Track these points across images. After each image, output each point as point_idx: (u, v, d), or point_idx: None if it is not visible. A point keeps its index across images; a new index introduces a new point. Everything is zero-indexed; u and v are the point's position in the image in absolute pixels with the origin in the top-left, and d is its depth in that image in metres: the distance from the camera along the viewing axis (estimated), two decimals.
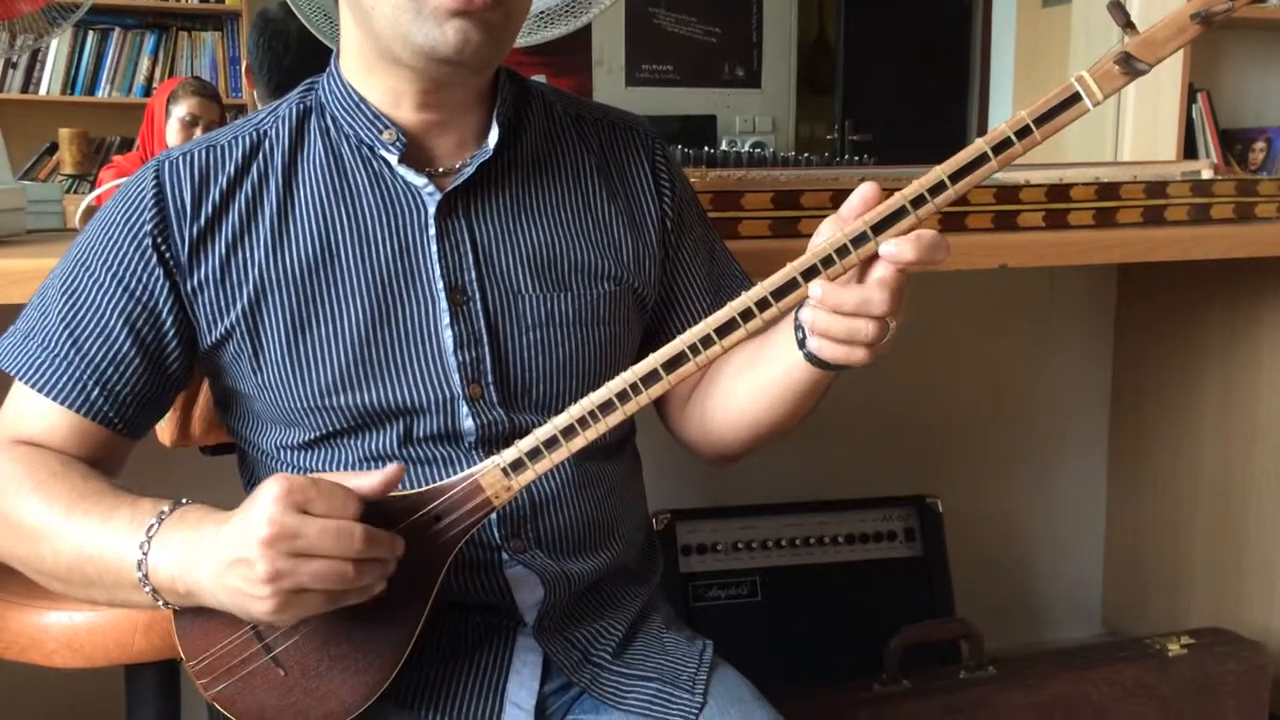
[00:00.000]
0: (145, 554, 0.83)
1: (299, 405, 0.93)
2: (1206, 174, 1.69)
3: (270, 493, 0.77)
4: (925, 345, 2.01)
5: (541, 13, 1.55)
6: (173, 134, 2.60)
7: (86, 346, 0.91)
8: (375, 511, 0.82)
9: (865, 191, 0.82)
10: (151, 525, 0.83)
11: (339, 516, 0.79)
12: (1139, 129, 3.04)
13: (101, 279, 0.91)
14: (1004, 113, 3.66)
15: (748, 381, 0.97)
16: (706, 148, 1.66)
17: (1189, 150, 3.10)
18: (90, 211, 1.33)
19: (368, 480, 0.82)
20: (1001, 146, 0.80)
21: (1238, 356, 1.93)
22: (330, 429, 0.94)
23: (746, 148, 1.82)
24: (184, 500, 0.86)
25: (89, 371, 0.91)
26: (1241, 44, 3.28)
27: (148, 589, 0.84)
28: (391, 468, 0.83)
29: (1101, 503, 2.21)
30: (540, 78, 1.09)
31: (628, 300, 1.01)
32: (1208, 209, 1.61)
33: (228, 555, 0.79)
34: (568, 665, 0.98)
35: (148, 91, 3.92)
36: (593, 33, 4.46)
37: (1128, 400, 2.15)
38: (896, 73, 4.61)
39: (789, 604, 1.77)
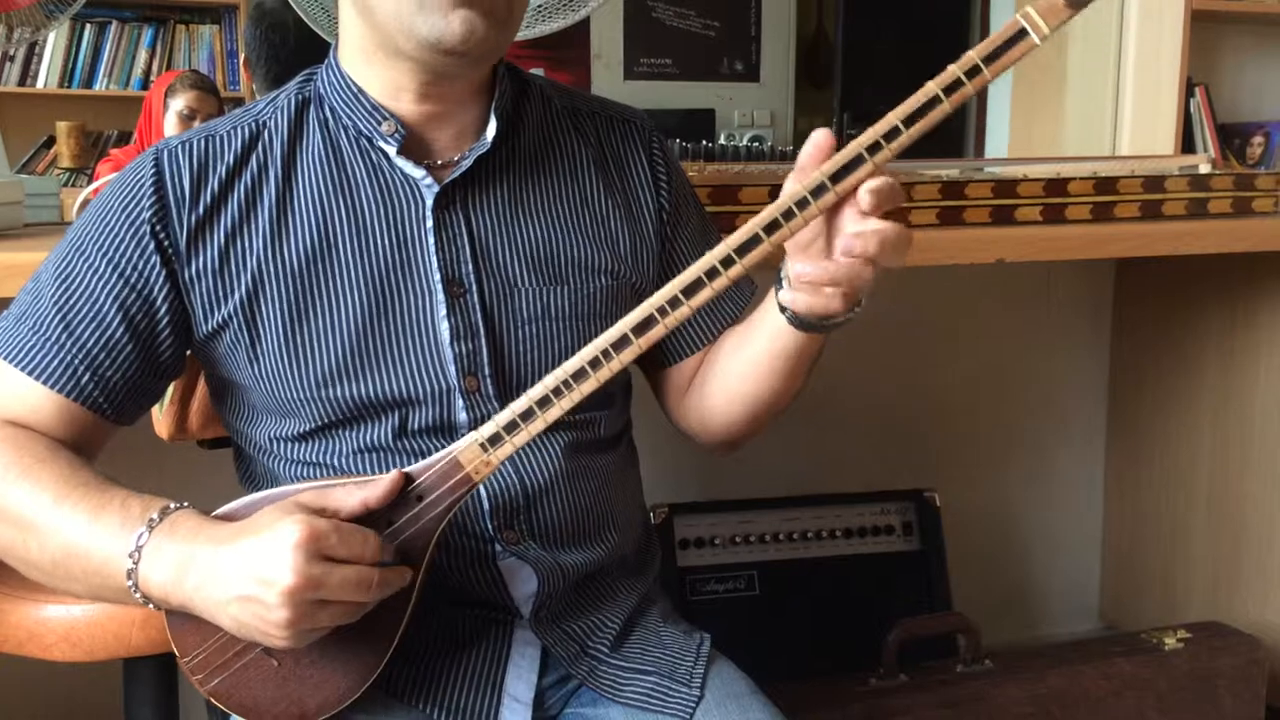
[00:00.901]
0: (136, 564, 0.83)
1: (295, 396, 0.93)
2: (1204, 168, 1.70)
3: (290, 537, 0.77)
4: (922, 339, 2.01)
5: (540, 6, 1.55)
6: (170, 127, 2.60)
7: (79, 330, 0.91)
8: None
9: (818, 138, 0.82)
10: (141, 534, 0.83)
11: (359, 560, 0.80)
12: (1137, 123, 3.03)
13: (97, 264, 0.91)
14: (1002, 107, 3.66)
15: (738, 358, 0.98)
16: (705, 141, 1.66)
17: (1187, 145, 3.10)
18: (87, 205, 1.32)
19: (374, 492, 0.83)
20: (953, 88, 0.80)
21: (1235, 351, 1.93)
22: (326, 420, 0.94)
23: (745, 141, 1.82)
24: (171, 505, 0.85)
25: (80, 356, 0.91)
26: (1240, 38, 3.28)
27: (138, 596, 0.84)
28: (392, 475, 0.84)
29: (1099, 497, 2.21)
30: (539, 71, 1.09)
31: (625, 294, 1.01)
32: (1206, 203, 1.61)
33: (241, 590, 0.79)
34: (565, 657, 0.98)
35: (145, 85, 3.90)
36: (591, 26, 4.45)
37: (1125, 395, 2.15)
38: (895, 66, 4.60)
39: (786, 598, 1.77)
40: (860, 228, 0.81)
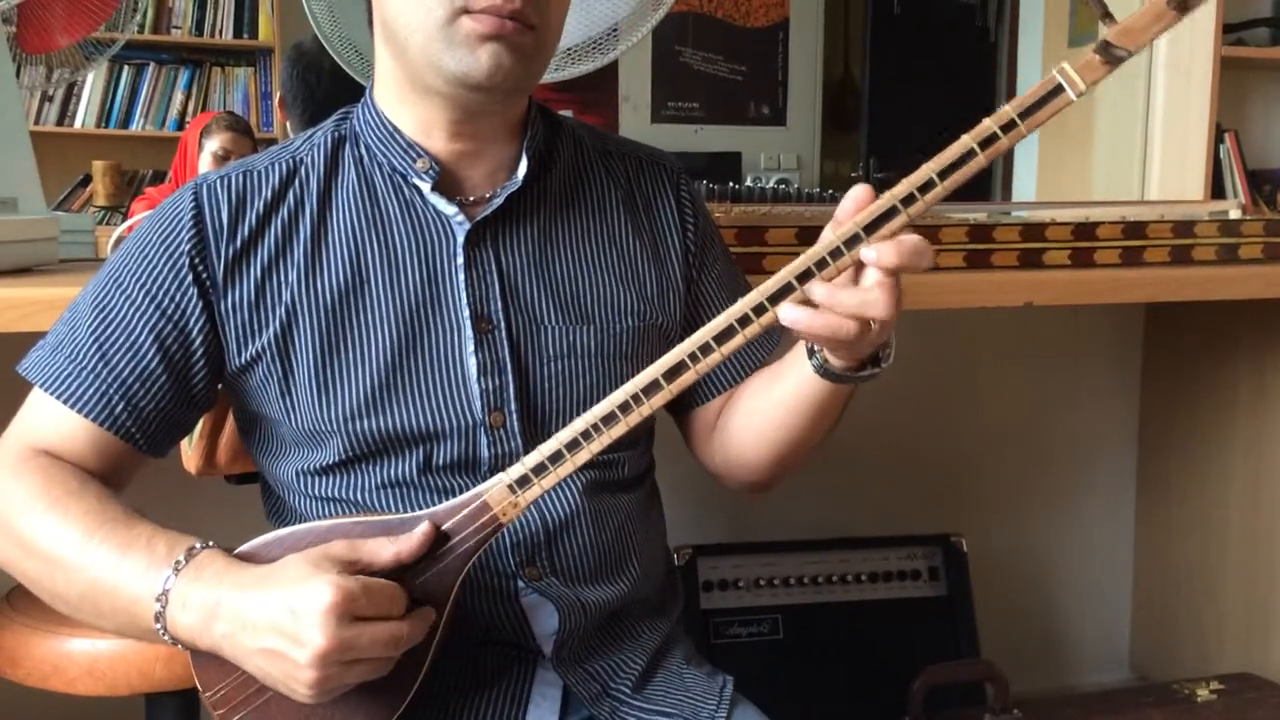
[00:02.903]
0: (164, 607, 0.83)
1: (324, 429, 0.93)
2: (1234, 214, 1.69)
3: (322, 601, 0.77)
4: (951, 383, 2.00)
5: (569, 49, 1.57)
6: (205, 168, 2.64)
7: (114, 361, 0.92)
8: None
9: (857, 193, 0.82)
10: (168, 577, 0.83)
11: (387, 617, 0.80)
12: (1166, 168, 3.03)
13: (134, 295, 0.92)
14: (1029, 152, 3.66)
15: (766, 402, 0.98)
16: (731, 183, 1.66)
17: (1217, 190, 3.09)
18: (121, 242, 1.34)
19: (407, 546, 0.83)
20: (988, 141, 0.80)
21: (1267, 397, 1.91)
22: (352, 453, 0.94)
23: (771, 184, 1.83)
24: (197, 545, 0.85)
25: (115, 386, 0.91)
26: (1269, 84, 3.28)
27: (167, 638, 0.84)
28: (425, 528, 0.84)
29: (1130, 544, 2.18)
30: (567, 113, 1.10)
31: (651, 336, 1.01)
32: (1236, 249, 1.60)
33: (269, 644, 0.79)
34: (587, 697, 0.97)
35: (181, 125, 3.97)
36: (619, 70, 4.50)
37: (1156, 441, 2.13)
38: (921, 111, 4.62)
39: (811, 642, 1.75)
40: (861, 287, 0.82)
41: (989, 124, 0.80)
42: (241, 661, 0.82)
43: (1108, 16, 0.81)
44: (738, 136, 4.83)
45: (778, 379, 0.97)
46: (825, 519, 1.86)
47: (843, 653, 1.76)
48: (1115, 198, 3.08)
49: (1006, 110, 0.80)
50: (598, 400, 0.97)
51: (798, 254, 1.38)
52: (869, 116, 4.85)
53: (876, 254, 0.80)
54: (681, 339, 1.04)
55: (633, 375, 0.98)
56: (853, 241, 0.81)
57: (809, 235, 1.40)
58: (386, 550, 0.83)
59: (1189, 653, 2.05)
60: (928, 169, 0.80)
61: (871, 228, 0.81)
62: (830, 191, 1.80)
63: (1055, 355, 2.10)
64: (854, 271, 0.83)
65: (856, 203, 0.82)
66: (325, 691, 0.79)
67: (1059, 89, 0.80)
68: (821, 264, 0.82)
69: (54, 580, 0.88)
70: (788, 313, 0.82)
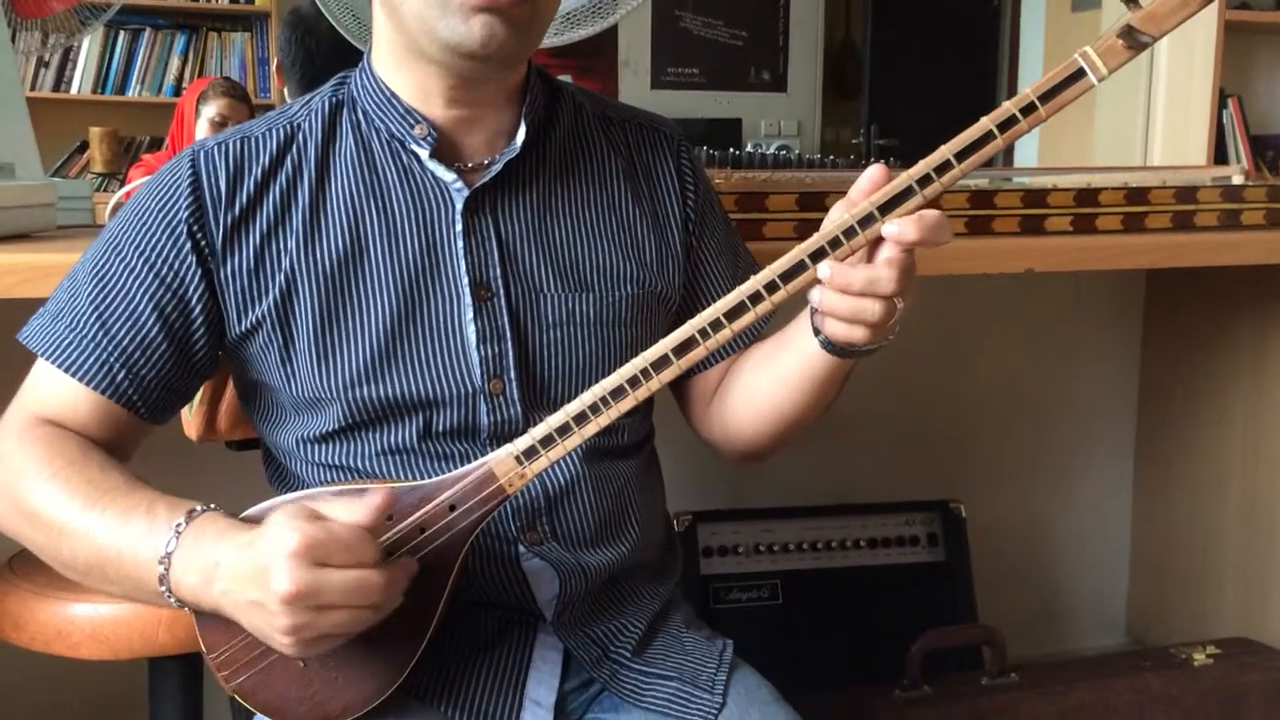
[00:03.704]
0: (167, 570, 0.83)
1: (323, 396, 0.93)
2: (1237, 179, 1.68)
3: (286, 546, 0.76)
4: (950, 349, 2.00)
5: (568, 14, 1.56)
6: (202, 134, 2.63)
7: (114, 329, 0.92)
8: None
9: (873, 173, 0.82)
10: (170, 540, 0.83)
11: (358, 565, 0.78)
12: (1169, 134, 3.01)
13: (133, 263, 0.92)
14: None
15: (767, 374, 0.98)
16: (732, 149, 1.66)
17: (1219, 155, 3.08)
18: (119, 208, 1.34)
19: (360, 515, 0.80)
20: (1007, 124, 0.80)
21: (1267, 364, 1.91)
22: (352, 421, 0.94)
23: (772, 150, 1.82)
24: (198, 508, 0.85)
25: (116, 354, 0.92)
26: (1273, 49, 3.26)
27: (173, 601, 0.85)
28: (380, 495, 0.81)
29: (1127, 510, 2.19)
30: (566, 78, 1.09)
31: (650, 303, 1.01)
32: (1238, 215, 1.60)
33: (249, 594, 0.79)
34: (587, 661, 0.98)
35: (177, 91, 3.95)
36: (619, 35, 4.47)
37: (1155, 407, 2.13)
38: (923, 77, 4.59)
39: (810, 607, 1.76)
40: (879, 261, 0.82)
41: (1008, 106, 0.80)
42: (238, 618, 0.82)
43: (1133, 1, 0.80)
44: (738, 102, 4.80)
45: (779, 352, 0.96)
46: (824, 485, 1.86)
47: (842, 618, 1.77)
48: (1118, 163, 3.07)
49: (1027, 93, 0.80)
50: (597, 368, 0.97)
51: (798, 220, 1.39)
52: (870, 82, 4.82)
53: (898, 229, 0.80)
54: (681, 307, 1.04)
55: (632, 343, 0.99)
56: (867, 221, 0.81)
57: (809, 201, 1.39)
58: (349, 514, 0.80)
59: (1186, 617, 2.06)
60: (945, 150, 0.80)
61: (886, 208, 0.81)
62: (831, 158, 1.80)
63: (1055, 321, 2.10)
64: (866, 252, 0.83)
65: (872, 182, 0.82)
66: (304, 642, 0.79)
67: (1080, 73, 0.80)
68: (835, 243, 0.82)
69: (60, 549, 0.89)
70: (814, 295, 0.83)
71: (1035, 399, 2.10)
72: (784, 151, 1.84)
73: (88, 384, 0.91)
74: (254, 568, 0.78)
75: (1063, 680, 1.61)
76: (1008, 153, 3.93)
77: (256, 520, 0.85)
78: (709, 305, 1.04)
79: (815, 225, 1.38)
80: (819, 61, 4.95)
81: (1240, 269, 1.66)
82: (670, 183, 1.04)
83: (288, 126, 0.96)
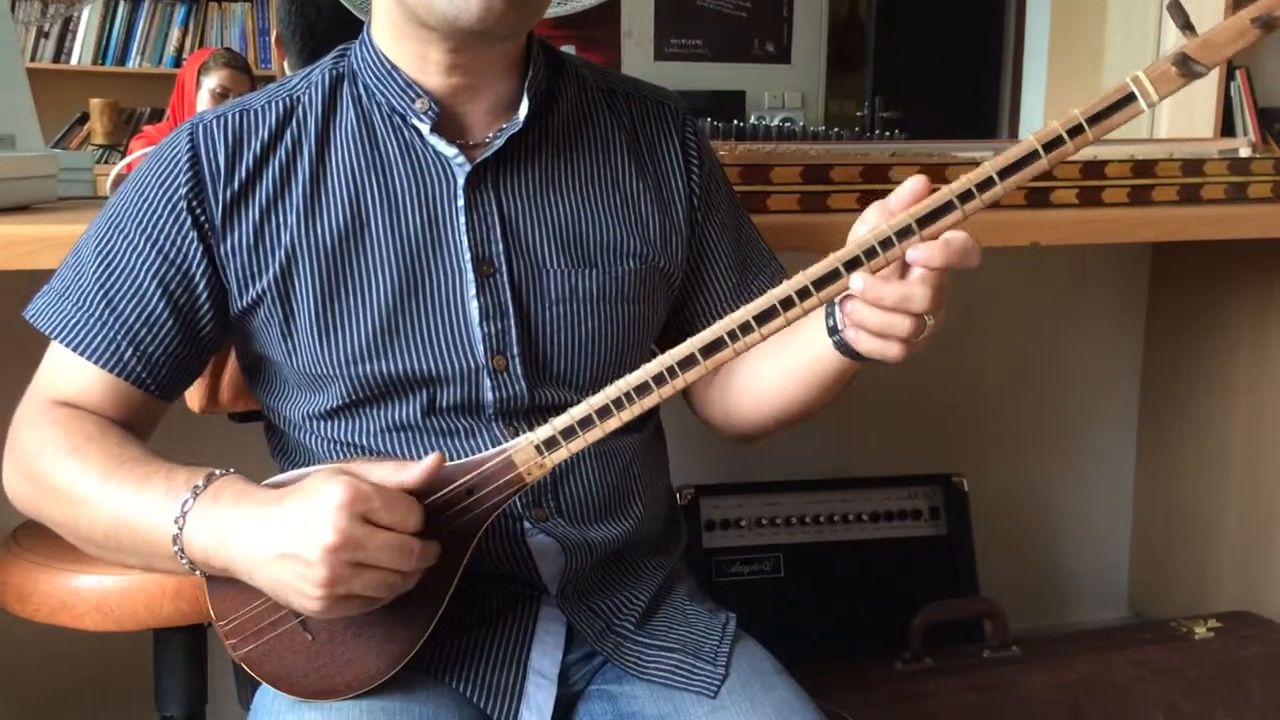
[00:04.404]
0: (181, 528, 0.84)
1: (326, 372, 0.93)
2: (1244, 152, 1.67)
3: (334, 498, 0.78)
4: (954, 322, 1.98)
5: None
6: (203, 105, 2.62)
7: (121, 308, 0.91)
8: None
9: (914, 185, 0.81)
10: (186, 500, 0.84)
11: (400, 529, 0.80)
12: (1176, 106, 2.99)
13: (136, 241, 0.92)
14: (1037, 91, 3.61)
15: (774, 366, 0.97)
16: (736, 121, 1.65)
17: (1227, 128, 3.05)
18: (120, 180, 1.33)
19: (411, 474, 0.83)
20: (1053, 144, 0.80)
21: (1271, 338, 1.90)
22: (355, 397, 0.94)
23: (776, 123, 1.81)
24: (217, 472, 0.86)
25: (123, 333, 0.91)
26: None
27: (184, 561, 0.85)
28: (432, 458, 0.84)
29: (1129, 484, 2.19)
30: (569, 49, 1.08)
31: (653, 279, 1.00)
32: (1245, 188, 1.59)
33: (283, 548, 0.79)
34: (591, 633, 0.98)
35: (178, 62, 3.92)
36: (622, 5, 4.43)
37: (1158, 381, 2.13)
38: (928, 50, 4.56)
39: (812, 581, 1.77)
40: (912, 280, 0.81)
41: (1055, 126, 0.80)
42: (253, 574, 0.82)
43: (1188, 28, 0.80)
44: (742, 74, 4.77)
45: (788, 346, 0.95)
46: (826, 459, 1.86)
47: (844, 591, 1.77)
48: (1124, 134, 3.05)
49: (1075, 114, 0.79)
50: (600, 343, 0.97)
51: (802, 193, 1.38)
52: (875, 55, 4.78)
53: (924, 255, 0.80)
54: (684, 283, 1.04)
55: (635, 318, 0.98)
56: (904, 233, 0.80)
57: (813, 174, 1.39)
58: (393, 477, 0.83)
59: (1187, 591, 2.07)
60: (988, 167, 0.80)
61: (925, 221, 0.80)
62: (835, 130, 1.79)
63: (1060, 294, 2.09)
64: (900, 265, 0.82)
65: (913, 193, 0.81)
66: (332, 598, 0.79)
67: (1131, 97, 0.80)
68: (870, 253, 0.81)
69: (79, 522, 0.89)
70: (845, 305, 0.83)
71: (1039, 373, 2.09)
72: (788, 124, 1.84)
73: (96, 363, 0.91)
74: (297, 519, 0.79)
75: (1064, 653, 1.61)
76: (1013, 122, 3.91)
77: (282, 486, 0.85)
78: (711, 280, 1.05)
79: (819, 198, 1.39)
80: (823, 33, 4.90)
81: (1246, 243, 1.66)
82: (675, 157, 1.03)
83: (287, 99, 0.95)
